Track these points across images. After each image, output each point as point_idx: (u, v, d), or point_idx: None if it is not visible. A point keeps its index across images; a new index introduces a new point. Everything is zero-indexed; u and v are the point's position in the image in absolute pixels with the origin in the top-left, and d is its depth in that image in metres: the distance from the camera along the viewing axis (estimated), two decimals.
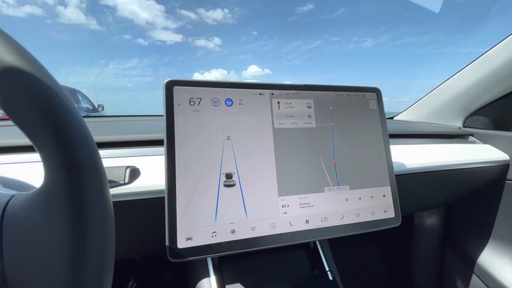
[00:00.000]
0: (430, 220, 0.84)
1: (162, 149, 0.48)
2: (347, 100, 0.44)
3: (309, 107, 0.42)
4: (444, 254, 0.85)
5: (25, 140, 0.43)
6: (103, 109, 4.64)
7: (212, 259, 0.45)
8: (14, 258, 0.15)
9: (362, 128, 0.44)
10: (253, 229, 0.36)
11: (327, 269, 0.52)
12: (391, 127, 0.74)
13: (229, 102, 0.38)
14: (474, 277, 0.75)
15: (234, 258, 0.46)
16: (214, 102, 0.38)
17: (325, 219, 0.39)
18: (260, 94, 0.40)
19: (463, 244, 0.80)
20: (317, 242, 0.55)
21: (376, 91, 0.46)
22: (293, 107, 0.41)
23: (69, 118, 0.15)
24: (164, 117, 0.35)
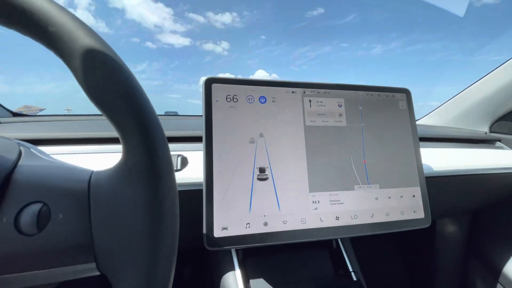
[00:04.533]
0: (453, 227, 0.82)
1: (196, 145, 0.51)
2: (377, 100, 0.44)
3: (340, 106, 0.43)
4: (468, 263, 0.83)
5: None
6: None
7: (237, 254, 0.47)
8: (101, 229, 0.16)
9: (391, 128, 0.44)
10: (284, 222, 0.37)
11: (351, 269, 0.52)
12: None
13: (262, 100, 0.40)
14: (499, 287, 0.73)
15: (258, 253, 0.47)
16: (249, 99, 0.39)
17: (355, 217, 0.39)
18: (293, 92, 0.41)
19: (488, 253, 0.78)
20: (340, 243, 0.56)
21: (406, 92, 0.46)
22: (324, 106, 0.42)
23: (148, 106, 0.17)
24: (203, 113, 0.37)
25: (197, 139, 0.52)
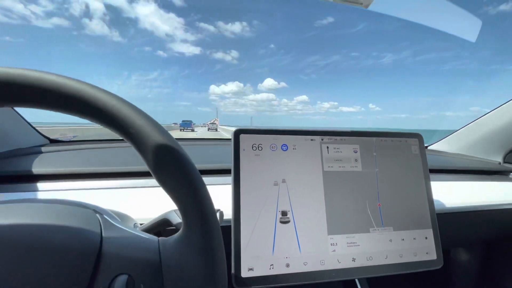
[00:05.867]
0: (468, 255, 0.82)
1: (222, 179, 0.55)
2: (390, 145, 0.48)
3: (355, 152, 0.46)
4: None
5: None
6: None
7: None
8: None
9: (405, 173, 0.47)
10: (305, 264, 0.40)
11: None
12: (428, 160, 0.75)
13: (284, 147, 0.44)
14: None
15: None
16: (272, 147, 0.43)
17: (370, 258, 0.42)
18: (311, 140, 0.45)
19: (504, 282, 0.78)
20: (356, 280, 0.58)
21: (418, 137, 0.49)
22: (341, 152, 0.45)
23: (208, 199, 0.22)
24: (232, 160, 0.41)
25: (224, 171, 0.57)
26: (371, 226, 0.43)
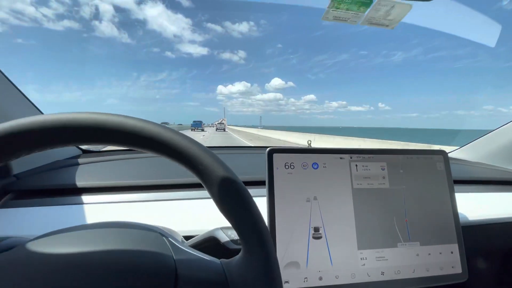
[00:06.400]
0: (489, 265, 0.83)
1: (257, 190, 0.58)
2: (416, 162, 0.49)
3: (383, 169, 0.48)
4: None
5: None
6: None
7: None
8: None
9: (430, 188, 0.49)
10: (336, 277, 0.43)
11: None
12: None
13: (315, 166, 0.46)
14: None
15: None
16: (303, 165, 0.46)
17: (398, 272, 0.44)
18: (341, 158, 0.47)
19: None
20: None
21: (443, 154, 0.51)
22: (369, 169, 0.48)
23: (265, 228, 0.25)
24: (266, 178, 0.44)
25: (258, 183, 0.60)
26: (398, 241, 0.46)
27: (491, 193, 0.69)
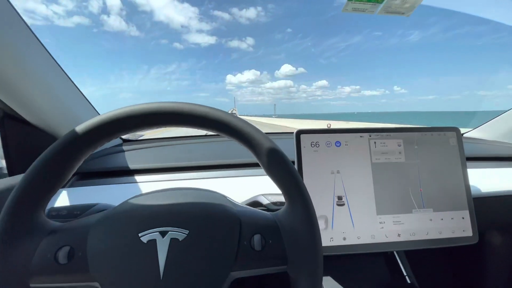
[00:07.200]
0: (502, 238, 0.87)
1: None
2: (430, 139, 0.55)
3: (399, 145, 0.54)
4: None
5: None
6: None
7: None
8: (289, 247, 0.31)
9: (443, 162, 0.54)
10: (358, 238, 0.50)
11: (405, 273, 0.64)
12: (465, 148, 0.80)
13: (338, 144, 0.53)
14: None
15: (331, 260, 0.61)
16: (327, 144, 0.52)
17: (413, 234, 0.51)
18: (361, 136, 0.53)
19: None
20: (395, 252, 0.67)
21: (456, 130, 0.56)
22: (387, 146, 0.53)
23: (302, 181, 0.32)
24: (295, 156, 0.51)
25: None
26: (413, 208, 0.52)
27: (506, 168, 0.73)
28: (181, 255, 0.29)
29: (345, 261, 0.65)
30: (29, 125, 0.59)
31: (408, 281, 0.63)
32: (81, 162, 0.31)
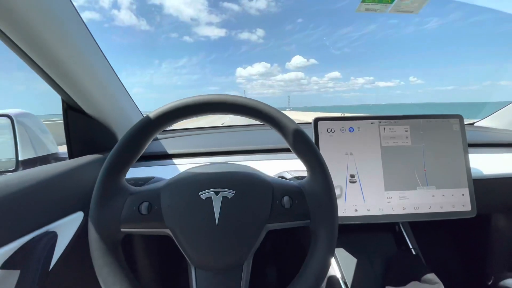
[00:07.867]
0: (502, 216, 0.91)
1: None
2: (435, 125, 0.61)
3: (406, 131, 0.61)
4: None
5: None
6: None
7: None
8: (312, 207, 0.39)
9: (447, 145, 0.61)
10: (368, 210, 0.58)
11: (410, 246, 0.71)
12: (472, 136, 0.85)
13: (351, 129, 0.60)
14: None
15: (342, 232, 0.69)
16: (341, 130, 0.60)
17: (417, 208, 0.58)
18: (372, 123, 0.61)
19: None
20: (402, 227, 0.74)
21: (459, 117, 0.62)
22: (395, 131, 0.61)
23: (321, 156, 0.40)
24: (313, 139, 0.59)
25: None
26: (418, 185, 0.59)
27: (509, 154, 0.78)
28: (230, 209, 0.38)
29: (357, 236, 0.74)
30: (86, 116, 0.71)
31: (414, 253, 0.70)
32: (151, 140, 0.40)
